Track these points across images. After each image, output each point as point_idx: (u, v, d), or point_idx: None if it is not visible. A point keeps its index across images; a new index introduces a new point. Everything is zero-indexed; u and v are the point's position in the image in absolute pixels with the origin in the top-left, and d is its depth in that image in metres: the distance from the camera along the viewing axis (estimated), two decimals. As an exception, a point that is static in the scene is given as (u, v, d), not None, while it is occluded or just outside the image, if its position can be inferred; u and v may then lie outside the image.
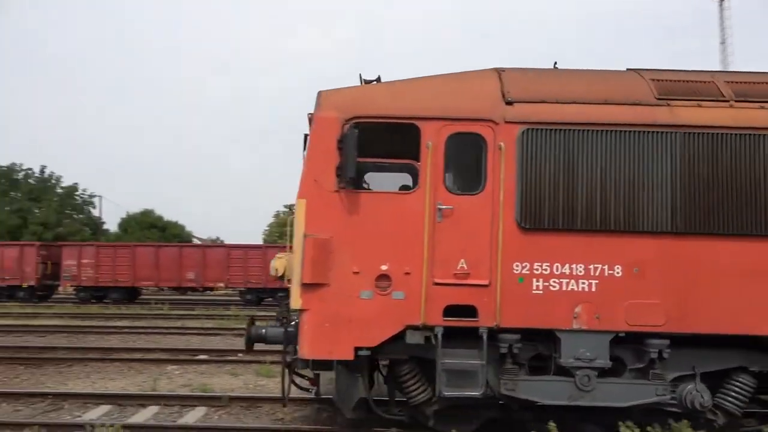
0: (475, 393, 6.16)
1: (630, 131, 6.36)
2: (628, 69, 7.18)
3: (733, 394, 6.43)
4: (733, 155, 6.31)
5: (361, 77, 7.22)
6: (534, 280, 6.24)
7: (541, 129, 6.36)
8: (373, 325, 6.22)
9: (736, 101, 6.55)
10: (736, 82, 6.78)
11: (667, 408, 6.44)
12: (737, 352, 6.41)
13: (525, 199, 6.27)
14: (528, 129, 6.35)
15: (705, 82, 6.78)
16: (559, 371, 6.32)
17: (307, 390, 7.04)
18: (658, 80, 6.77)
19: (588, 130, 6.36)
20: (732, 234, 6.22)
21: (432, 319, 6.21)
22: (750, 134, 6.33)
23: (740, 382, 6.43)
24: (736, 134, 6.34)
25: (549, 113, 6.42)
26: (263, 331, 6.75)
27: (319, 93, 6.61)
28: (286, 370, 6.82)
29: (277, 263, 6.51)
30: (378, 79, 7.23)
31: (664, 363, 6.29)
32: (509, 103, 6.49)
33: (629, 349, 6.37)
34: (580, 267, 6.26)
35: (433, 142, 6.36)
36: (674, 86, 6.69)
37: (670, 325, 6.20)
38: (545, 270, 6.25)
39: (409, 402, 6.62)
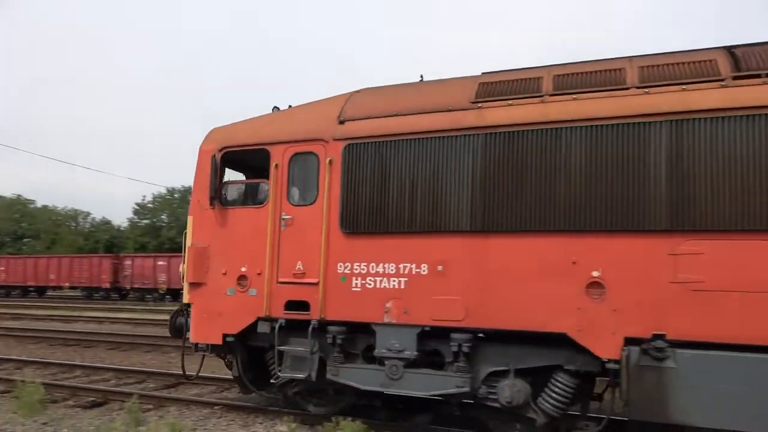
0: (302, 375, 7.15)
1: (439, 137, 6.73)
2: (482, 73, 7.38)
3: (551, 393, 6.31)
4: (534, 152, 6.28)
5: (274, 108, 8.65)
6: (353, 278, 6.99)
7: (361, 143, 7.09)
8: (234, 317, 7.62)
9: (551, 95, 6.45)
10: (563, 75, 6.60)
11: (488, 403, 6.58)
12: (555, 350, 6.28)
13: (345, 207, 7.07)
14: (349, 144, 7.15)
15: (530, 78, 6.74)
16: (381, 361, 6.94)
17: (230, 369, 8.60)
18: (483, 83, 6.94)
19: (401, 140, 6.91)
20: (523, 231, 6.21)
21: (275, 312, 7.37)
22: (553, 128, 6.23)
23: (558, 382, 6.29)
24: (540, 130, 6.29)
25: (369, 128, 7.12)
26: (182, 320, 8.53)
27: (210, 130, 8.24)
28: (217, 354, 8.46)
29: (182, 267, 8.26)
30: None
31: (471, 357, 6.50)
32: (342, 122, 7.35)
33: (445, 343, 6.69)
34: (392, 266, 6.82)
35: (278, 163, 7.54)
36: (493, 88, 6.81)
37: (469, 320, 6.42)
38: (363, 270, 6.96)
39: (275, 383, 7.81)
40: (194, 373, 8.50)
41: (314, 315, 7.14)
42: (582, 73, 6.52)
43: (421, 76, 7.84)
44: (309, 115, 7.73)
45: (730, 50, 6.16)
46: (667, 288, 5.67)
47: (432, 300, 6.60)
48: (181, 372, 8.56)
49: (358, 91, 7.76)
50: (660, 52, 6.50)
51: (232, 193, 8.04)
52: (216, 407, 8.59)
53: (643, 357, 5.68)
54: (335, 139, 7.26)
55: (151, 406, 8.63)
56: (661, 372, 5.59)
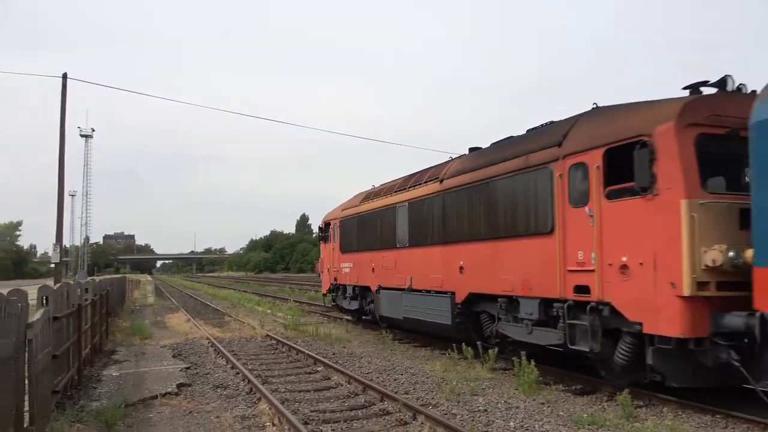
0: (334, 303, 20.06)
1: (353, 217, 18.62)
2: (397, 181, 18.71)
3: (372, 306, 17.37)
4: (368, 222, 17.57)
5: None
6: (344, 268, 19.46)
7: (342, 219, 19.53)
8: (328, 283, 21.07)
9: (374, 198, 17.57)
10: (384, 188, 17.52)
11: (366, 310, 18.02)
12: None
13: (341, 242, 19.61)
14: (340, 220, 19.68)
15: (381, 189, 17.84)
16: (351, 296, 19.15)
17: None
18: (367, 193, 18.35)
19: (348, 218, 19.04)
20: (362, 250, 17.58)
21: (333, 281, 20.47)
22: (372, 212, 17.41)
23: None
24: (371, 213, 17.54)
25: (344, 213, 19.48)
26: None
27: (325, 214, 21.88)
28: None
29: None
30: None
31: (361, 294, 18.14)
32: (342, 210, 19.88)
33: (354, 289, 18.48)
34: (347, 263, 19.03)
35: (332, 226, 20.62)
36: (367, 195, 18.17)
37: (358, 282, 18.12)
38: (344, 265, 19.37)
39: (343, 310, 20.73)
40: (329, 305, 22.11)
41: (338, 282, 19.91)
42: (391, 185, 17.34)
43: (373, 185, 19.54)
44: (337, 208, 20.47)
45: (416, 174, 16.13)
46: (375, 269, 16.40)
47: (353, 275, 18.56)
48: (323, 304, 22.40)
49: (359, 194, 20.05)
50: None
51: (324, 238, 21.48)
52: (717, 415, 7.53)
53: (377, 292, 16.54)
54: (339, 218, 19.86)
55: (641, 403, 8.19)
56: (378, 298, 16.40)
